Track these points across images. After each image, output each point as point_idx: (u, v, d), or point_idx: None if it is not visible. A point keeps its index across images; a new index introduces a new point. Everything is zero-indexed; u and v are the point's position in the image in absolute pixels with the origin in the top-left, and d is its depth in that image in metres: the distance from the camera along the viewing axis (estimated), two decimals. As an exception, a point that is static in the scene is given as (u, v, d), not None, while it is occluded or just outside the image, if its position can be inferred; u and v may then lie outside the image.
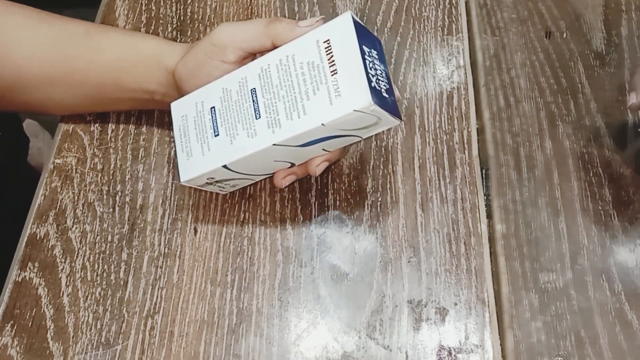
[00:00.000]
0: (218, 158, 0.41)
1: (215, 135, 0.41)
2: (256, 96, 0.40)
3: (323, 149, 0.41)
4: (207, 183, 0.43)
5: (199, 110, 0.42)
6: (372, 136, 0.49)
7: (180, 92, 0.45)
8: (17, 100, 0.48)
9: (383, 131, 0.50)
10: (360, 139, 0.41)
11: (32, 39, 0.46)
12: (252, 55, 0.42)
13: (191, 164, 0.42)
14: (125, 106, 0.50)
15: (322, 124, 0.37)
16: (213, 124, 0.41)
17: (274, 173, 0.44)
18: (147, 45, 0.46)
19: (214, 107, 0.41)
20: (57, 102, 0.49)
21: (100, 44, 0.47)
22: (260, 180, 0.48)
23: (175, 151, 0.43)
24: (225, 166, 0.41)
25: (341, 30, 0.37)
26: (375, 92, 0.36)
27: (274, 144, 0.39)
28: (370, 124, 0.38)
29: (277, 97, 0.39)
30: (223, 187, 0.45)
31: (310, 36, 0.39)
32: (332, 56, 0.37)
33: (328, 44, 0.38)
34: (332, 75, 0.37)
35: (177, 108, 0.44)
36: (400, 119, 0.38)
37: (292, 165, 0.43)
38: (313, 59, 0.38)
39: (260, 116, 0.39)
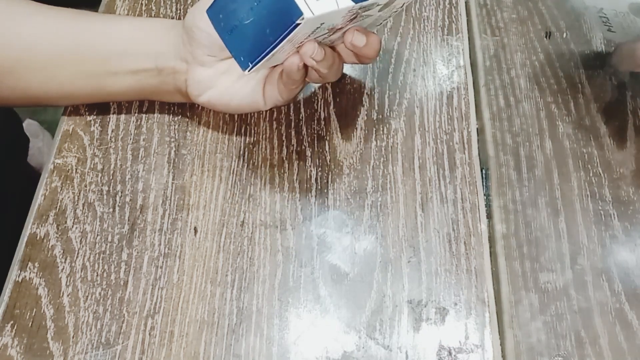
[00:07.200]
0: None
1: None
2: None
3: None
4: (313, 31, 0.41)
5: None
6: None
7: (192, 51, 0.46)
8: (18, 85, 0.49)
9: (383, 130, 0.50)
10: (380, 6, 0.42)
11: (41, 18, 0.49)
12: None
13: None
14: (127, 87, 0.49)
15: None
16: None
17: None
18: (156, 19, 0.54)
19: None
20: (57, 85, 0.49)
21: (111, 18, 0.53)
22: (262, 178, 0.48)
23: None
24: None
25: None
26: None
27: None
28: None
29: None
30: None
31: None
32: None
33: None
34: None
35: None
36: None
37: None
38: None
39: None
